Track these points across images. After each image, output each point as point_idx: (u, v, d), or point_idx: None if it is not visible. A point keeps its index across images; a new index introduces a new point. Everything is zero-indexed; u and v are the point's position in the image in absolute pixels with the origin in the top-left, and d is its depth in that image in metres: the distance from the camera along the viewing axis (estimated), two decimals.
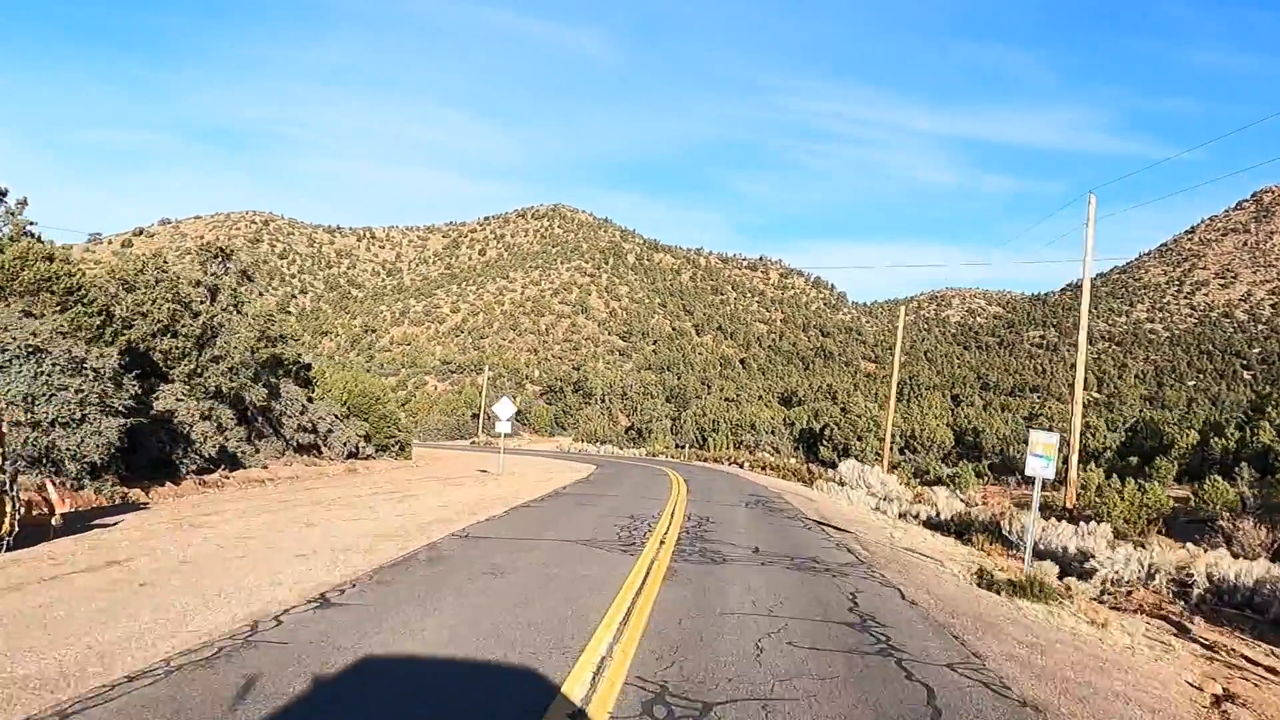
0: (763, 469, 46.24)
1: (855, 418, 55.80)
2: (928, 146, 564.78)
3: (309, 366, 45.63)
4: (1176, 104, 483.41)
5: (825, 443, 56.97)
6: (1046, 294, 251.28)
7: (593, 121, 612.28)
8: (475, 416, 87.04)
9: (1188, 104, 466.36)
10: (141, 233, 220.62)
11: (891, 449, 44.89)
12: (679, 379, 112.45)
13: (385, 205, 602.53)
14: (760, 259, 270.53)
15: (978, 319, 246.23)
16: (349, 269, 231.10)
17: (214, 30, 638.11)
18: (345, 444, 38.38)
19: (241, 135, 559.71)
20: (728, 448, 61.86)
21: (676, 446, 69.44)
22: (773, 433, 65.83)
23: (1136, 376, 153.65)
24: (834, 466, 55.73)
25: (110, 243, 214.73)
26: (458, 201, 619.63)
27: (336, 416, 38.82)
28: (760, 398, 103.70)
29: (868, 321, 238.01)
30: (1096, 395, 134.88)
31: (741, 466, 49.23)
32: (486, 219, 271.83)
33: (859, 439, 55.01)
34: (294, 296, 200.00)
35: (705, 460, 55.03)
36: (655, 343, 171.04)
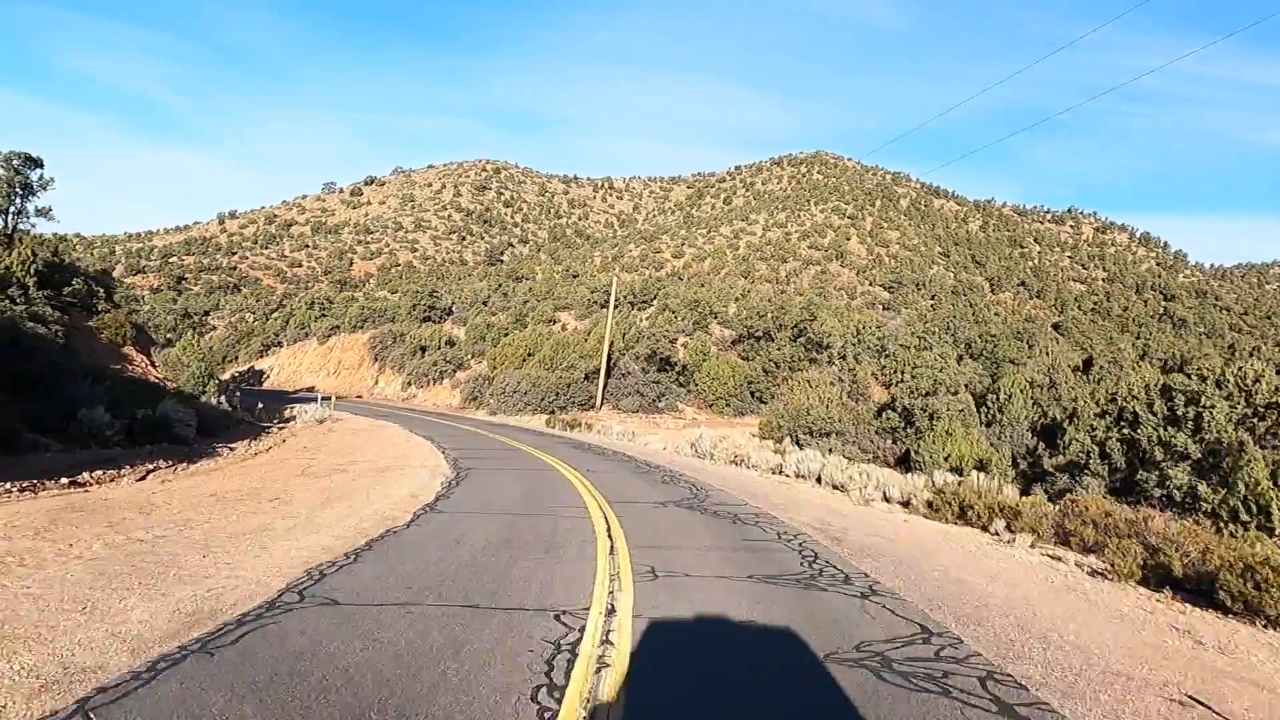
0: None
1: None
2: (1274, 104, 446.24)
3: None
4: None
5: None
6: None
7: (876, 91, 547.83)
8: (594, 374, 45.01)
9: None
10: (372, 181, 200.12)
11: None
12: (981, 337, 63.87)
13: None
14: (1069, 210, 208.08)
15: None
16: (579, 219, 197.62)
17: (523, 19, 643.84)
18: None
19: (531, 119, 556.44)
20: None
21: (1023, 470, 23.22)
22: None
23: None
24: None
25: (342, 191, 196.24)
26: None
27: None
28: (1116, 362, 53.27)
29: (1221, 286, 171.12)
30: None
31: None
32: (737, 168, 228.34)
33: None
34: (510, 245, 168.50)
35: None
36: (934, 297, 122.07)
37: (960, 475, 26.09)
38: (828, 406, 35.27)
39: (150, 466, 17.96)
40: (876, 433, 34.75)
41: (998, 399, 39.23)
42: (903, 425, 34.40)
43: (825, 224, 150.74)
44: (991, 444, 32.55)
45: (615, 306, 56.87)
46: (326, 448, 22.41)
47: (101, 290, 28.16)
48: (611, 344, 46.12)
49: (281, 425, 29.48)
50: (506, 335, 51.82)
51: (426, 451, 21.75)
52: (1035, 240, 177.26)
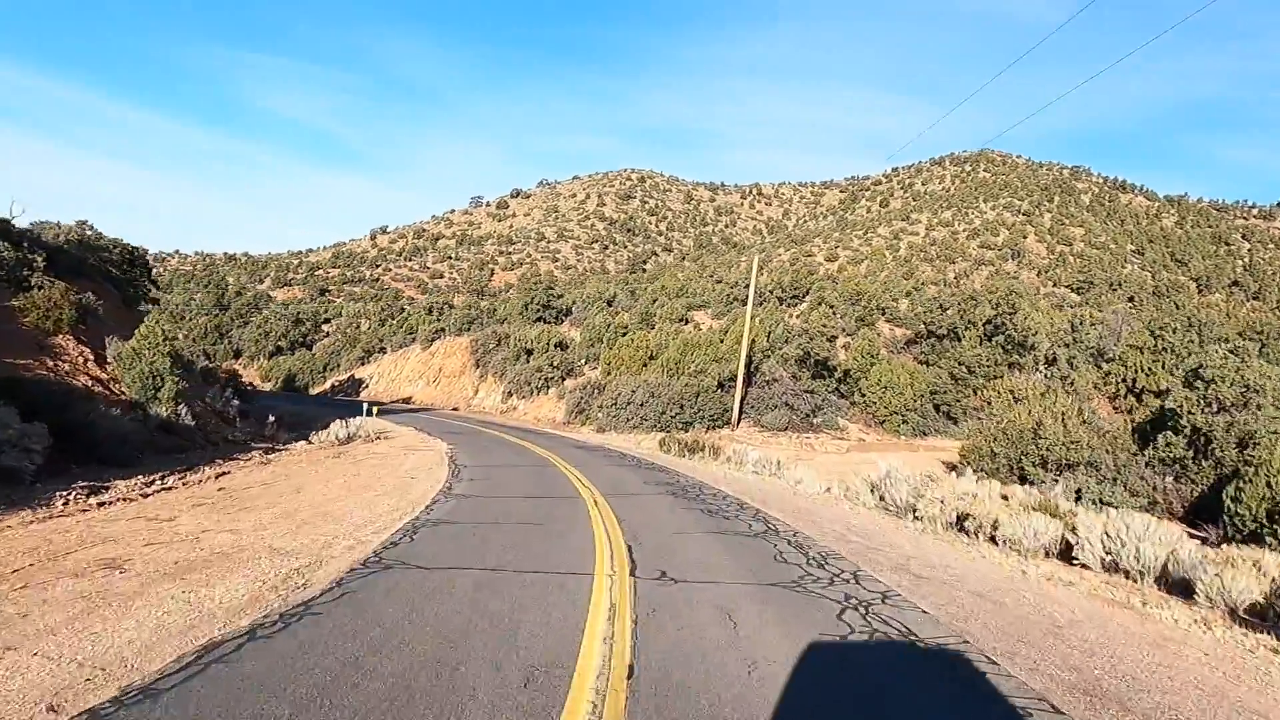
0: None
1: None
2: None
3: None
4: None
5: None
6: None
7: (1030, 92, 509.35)
8: (730, 381, 34.74)
9: None
10: (518, 194, 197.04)
11: None
12: (1241, 334, 49.26)
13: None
14: (1278, 204, 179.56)
15: None
16: (726, 226, 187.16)
17: (670, 38, 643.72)
18: None
19: (678, 134, 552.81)
20: None
21: None
22: None
23: None
24: None
25: (488, 205, 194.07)
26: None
27: None
28: None
29: None
30: None
31: None
32: (894, 170, 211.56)
33: None
34: (654, 253, 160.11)
35: None
36: (1132, 298, 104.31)
37: None
38: (1065, 426, 23.54)
39: None
40: (1147, 465, 22.77)
41: None
42: (1192, 455, 22.29)
43: (997, 221, 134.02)
44: None
45: (760, 301, 46.37)
46: (250, 498, 13.34)
47: (40, 259, 20.28)
48: (753, 342, 35.63)
49: (279, 447, 20.89)
50: (625, 334, 42.06)
51: (407, 503, 12.29)
52: (1243, 237, 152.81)
